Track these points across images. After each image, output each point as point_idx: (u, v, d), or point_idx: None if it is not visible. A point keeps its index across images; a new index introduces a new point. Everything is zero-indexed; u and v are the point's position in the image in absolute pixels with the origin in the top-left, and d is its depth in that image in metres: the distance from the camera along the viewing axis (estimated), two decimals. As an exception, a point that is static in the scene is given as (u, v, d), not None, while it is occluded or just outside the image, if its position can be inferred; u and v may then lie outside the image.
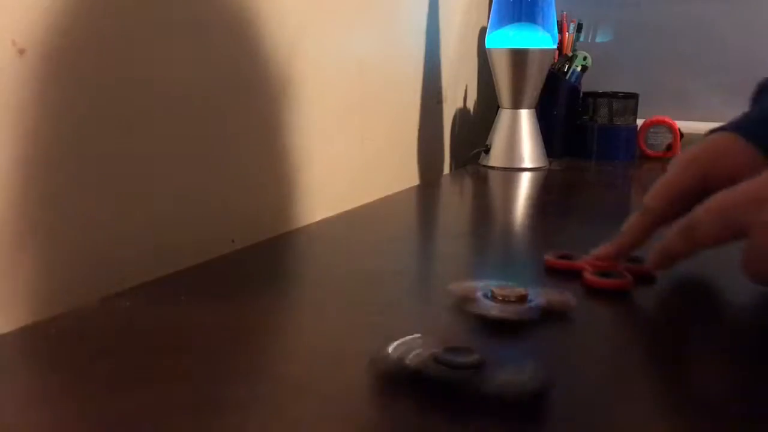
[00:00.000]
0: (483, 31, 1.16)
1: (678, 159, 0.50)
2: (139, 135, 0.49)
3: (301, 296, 0.45)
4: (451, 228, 0.73)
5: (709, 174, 0.44)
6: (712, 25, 1.24)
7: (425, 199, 0.88)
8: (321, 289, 0.48)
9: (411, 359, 0.31)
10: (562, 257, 0.50)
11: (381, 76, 0.84)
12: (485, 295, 0.41)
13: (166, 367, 0.33)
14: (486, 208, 0.86)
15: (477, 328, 0.38)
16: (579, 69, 1.22)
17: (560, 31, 1.19)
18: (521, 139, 1.05)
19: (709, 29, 1.24)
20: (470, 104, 1.20)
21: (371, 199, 0.78)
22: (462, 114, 1.15)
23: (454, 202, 0.91)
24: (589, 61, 1.23)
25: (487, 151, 1.06)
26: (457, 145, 1.13)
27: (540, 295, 0.41)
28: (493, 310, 0.39)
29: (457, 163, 1.14)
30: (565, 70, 1.21)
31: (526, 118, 1.05)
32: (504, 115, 1.06)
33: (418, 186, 0.95)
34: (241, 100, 0.59)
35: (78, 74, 0.43)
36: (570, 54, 1.23)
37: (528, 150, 1.05)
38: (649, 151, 1.21)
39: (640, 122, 1.21)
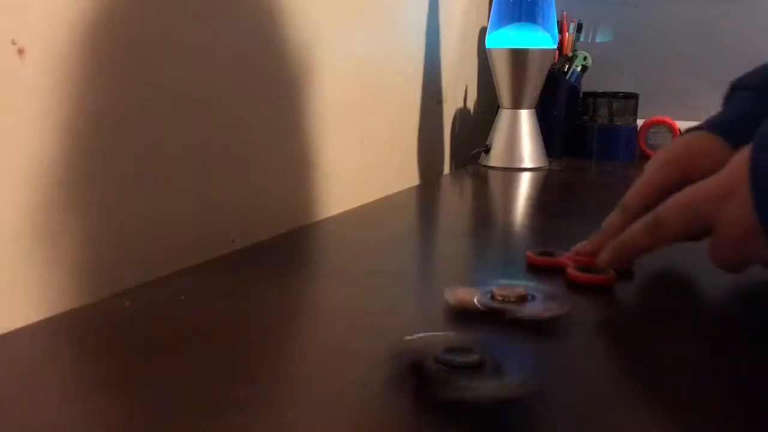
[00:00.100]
0: (483, 31, 1.16)
1: (655, 158, 0.52)
2: (140, 135, 0.49)
3: (302, 296, 0.45)
4: (451, 228, 0.73)
5: (686, 172, 0.45)
6: (712, 25, 1.24)
7: (425, 199, 0.88)
8: (321, 289, 0.48)
9: (411, 359, 0.31)
10: (543, 254, 0.50)
11: (381, 76, 0.84)
12: (485, 295, 0.41)
13: (166, 367, 0.33)
14: (486, 208, 0.86)
15: (477, 328, 0.38)
16: (579, 69, 1.22)
17: (560, 31, 1.19)
18: (521, 139, 1.05)
19: (709, 29, 1.24)
20: (470, 104, 1.20)
21: (371, 199, 0.78)
22: (462, 114, 1.15)
23: (454, 202, 0.91)
24: (589, 61, 1.23)
25: (487, 151, 1.06)
26: (457, 145, 1.13)
27: (540, 295, 0.41)
28: (493, 310, 0.40)
29: (457, 163, 1.14)
30: (565, 70, 1.21)
31: (526, 118, 1.05)
32: (504, 115, 1.06)
33: (418, 186, 0.95)
34: (241, 101, 0.59)
35: (78, 74, 0.43)
36: (570, 54, 1.23)
37: (528, 150, 1.05)
38: (649, 151, 1.21)
39: (640, 122, 1.21)
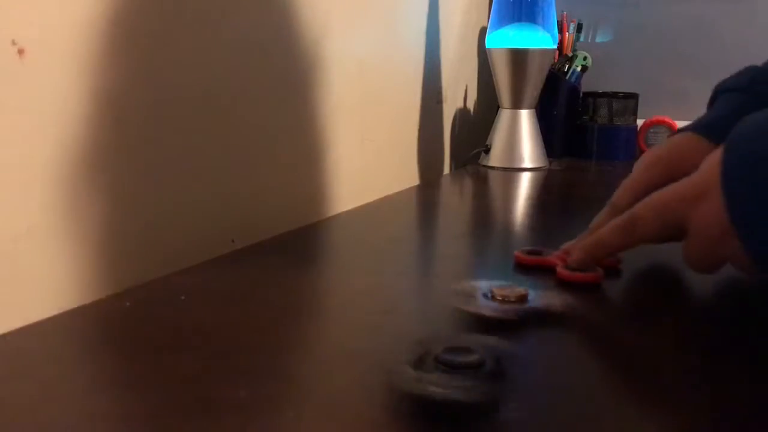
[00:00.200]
0: (483, 31, 1.16)
1: (643, 158, 0.53)
2: (139, 136, 0.49)
3: (302, 296, 0.45)
4: (451, 228, 0.73)
5: (673, 172, 0.45)
6: (712, 25, 1.24)
7: (425, 199, 0.88)
8: (321, 289, 0.48)
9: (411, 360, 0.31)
10: (532, 253, 0.51)
11: (381, 76, 0.84)
12: (485, 295, 0.41)
13: (166, 367, 0.33)
14: (486, 208, 0.86)
15: (477, 328, 0.38)
16: (579, 69, 1.22)
17: (560, 31, 1.19)
18: (521, 139, 1.05)
19: (709, 29, 1.24)
20: (470, 104, 1.20)
21: (371, 199, 0.78)
22: (462, 114, 1.15)
23: (454, 202, 0.91)
24: (589, 61, 1.23)
25: (487, 151, 1.06)
26: (457, 145, 1.13)
27: (540, 295, 0.41)
28: (493, 310, 0.40)
29: (457, 163, 1.14)
30: (565, 70, 1.21)
31: (526, 118, 1.05)
32: (504, 115, 1.06)
33: (418, 186, 0.95)
34: (239, 103, 0.59)
35: (78, 74, 0.43)
36: (570, 54, 1.23)
37: (528, 150, 1.05)
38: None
39: (640, 122, 1.21)
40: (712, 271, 0.43)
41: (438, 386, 0.29)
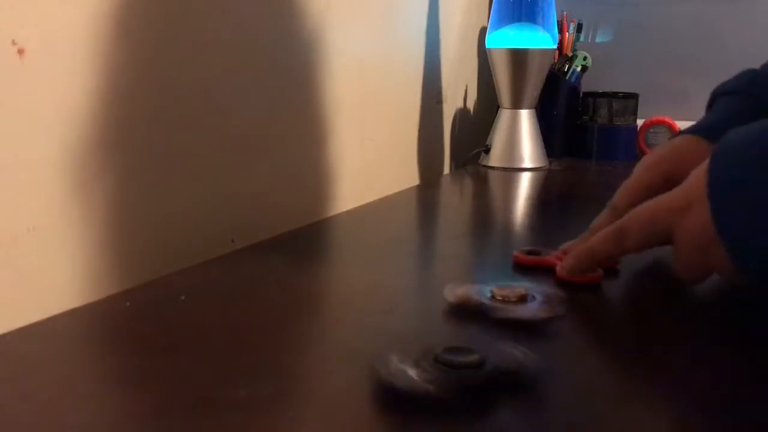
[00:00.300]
0: (483, 31, 1.16)
1: (644, 160, 0.54)
2: (138, 136, 0.49)
3: (301, 296, 0.45)
4: (451, 228, 0.73)
5: (673, 174, 0.46)
6: (712, 25, 1.24)
7: (425, 199, 0.88)
8: (321, 289, 0.48)
9: (411, 361, 0.31)
10: (531, 253, 0.51)
11: (381, 76, 0.84)
12: (485, 295, 0.41)
13: (166, 367, 0.33)
14: (486, 208, 0.86)
15: (477, 328, 0.38)
16: (579, 69, 1.22)
17: (560, 31, 1.19)
18: (521, 139, 1.05)
19: (709, 29, 1.24)
20: (470, 104, 1.20)
21: (371, 199, 0.78)
22: (462, 114, 1.15)
23: (454, 202, 0.91)
24: (589, 61, 1.23)
25: (487, 151, 1.06)
26: (457, 145, 1.13)
27: (540, 295, 0.41)
28: (493, 310, 0.40)
29: (457, 163, 1.14)
30: (565, 70, 1.21)
31: (526, 118, 1.05)
32: (504, 115, 1.06)
33: (418, 186, 0.95)
34: (239, 103, 0.59)
35: (77, 74, 0.43)
36: (570, 54, 1.23)
37: (528, 150, 1.05)
38: (649, 152, 1.21)
39: (640, 122, 1.21)
40: (699, 280, 0.43)
41: (438, 386, 0.29)
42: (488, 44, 1.04)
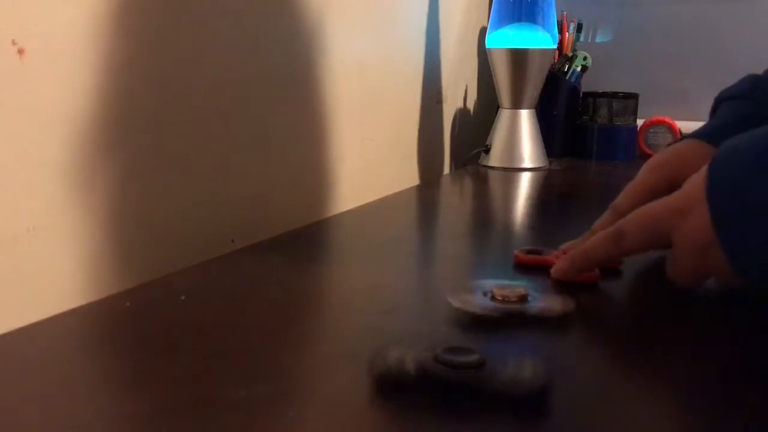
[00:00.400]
0: (483, 31, 1.16)
1: (647, 164, 0.55)
2: (138, 136, 0.49)
3: (302, 296, 0.45)
4: (451, 228, 0.73)
5: (676, 177, 0.46)
6: (712, 26, 1.24)
7: (425, 199, 0.88)
8: (321, 289, 0.48)
9: (411, 360, 0.31)
10: (531, 252, 0.51)
11: (381, 76, 0.84)
12: (485, 295, 0.41)
13: (166, 367, 0.33)
14: (486, 208, 0.86)
15: (477, 328, 0.38)
16: (579, 69, 1.22)
17: (560, 31, 1.19)
18: (521, 139, 1.05)
19: (709, 29, 1.24)
20: (470, 104, 1.20)
21: (371, 199, 0.78)
22: (462, 114, 1.15)
23: (454, 202, 0.91)
24: (589, 61, 1.23)
25: (487, 151, 1.06)
26: (457, 145, 1.13)
27: (540, 295, 0.41)
28: (493, 310, 0.40)
29: (457, 163, 1.14)
30: (565, 70, 1.21)
31: (526, 118, 1.05)
32: (504, 115, 1.06)
33: (418, 186, 0.95)
34: (239, 103, 0.59)
35: (77, 74, 0.43)
36: (570, 54, 1.23)
37: (528, 150, 1.05)
38: (649, 151, 1.21)
39: (640, 122, 1.21)
40: (696, 284, 0.44)
41: (438, 386, 0.29)
42: (488, 44, 1.04)
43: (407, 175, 0.96)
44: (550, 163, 1.08)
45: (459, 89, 1.14)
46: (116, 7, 0.46)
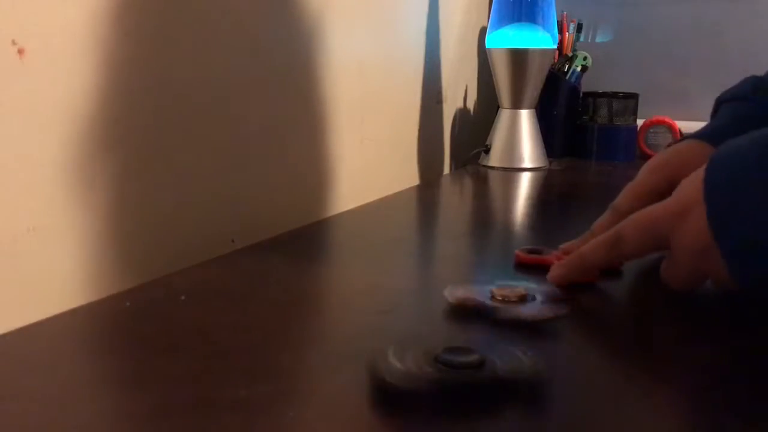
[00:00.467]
0: (483, 31, 1.16)
1: (648, 164, 0.55)
2: (138, 136, 0.49)
3: (301, 296, 0.45)
4: (451, 228, 0.73)
5: (676, 178, 0.46)
6: (713, 26, 1.24)
7: (425, 199, 0.88)
8: (321, 289, 0.49)
9: (411, 360, 0.31)
10: (532, 252, 0.51)
11: (381, 76, 0.84)
12: (485, 295, 0.41)
13: (166, 367, 0.33)
14: (486, 208, 0.86)
15: (477, 328, 0.38)
16: (579, 69, 1.22)
17: (560, 31, 1.19)
18: (521, 139, 1.05)
19: (709, 29, 1.24)
20: (470, 104, 1.20)
21: (371, 199, 0.78)
22: (462, 114, 1.15)
23: (454, 202, 0.91)
24: (589, 61, 1.23)
25: (487, 151, 1.06)
26: (457, 145, 1.13)
27: (540, 295, 0.41)
28: (493, 310, 0.40)
29: (457, 163, 1.14)
30: (565, 70, 1.21)
31: (526, 118, 1.05)
32: (504, 115, 1.06)
33: (418, 186, 0.95)
34: (239, 103, 0.59)
35: (77, 74, 0.43)
36: (570, 54, 1.23)
37: (528, 150, 1.05)
38: (649, 151, 1.21)
39: (640, 122, 1.21)
40: (692, 287, 0.44)
41: (438, 386, 0.29)
42: (488, 44, 1.04)
43: (407, 175, 0.96)
44: (550, 163, 1.08)
45: (459, 89, 1.14)
46: (116, 7, 0.46)
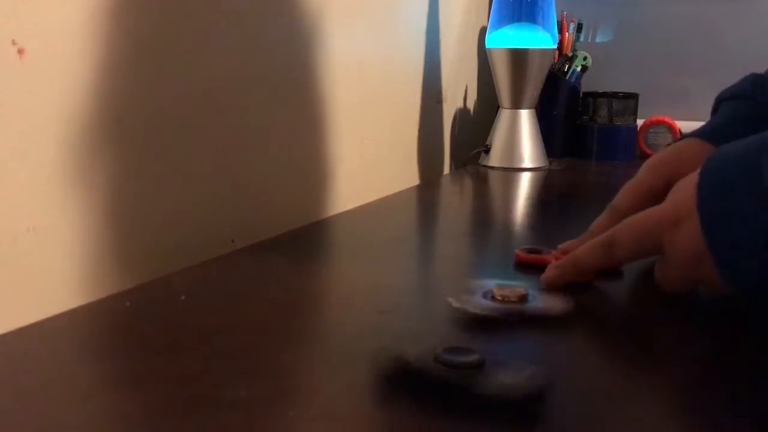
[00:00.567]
0: (483, 31, 1.16)
1: (647, 162, 0.55)
2: (138, 136, 0.49)
3: (301, 296, 0.45)
4: (451, 228, 0.73)
5: (674, 177, 0.46)
6: (712, 25, 1.24)
7: (425, 199, 0.88)
8: (321, 289, 0.49)
9: (412, 359, 0.31)
10: (532, 251, 0.51)
11: (381, 76, 0.84)
12: (485, 295, 0.41)
13: (166, 367, 0.33)
14: (486, 208, 0.86)
15: (477, 328, 0.38)
16: (579, 69, 1.22)
17: (560, 31, 1.19)
18: (521, 139, 1.05)
19: (709, 29, 1.24)
20: (470, 104, 1.20)
21: (371, 199, 0.78)
22: (462, 114, 1.15)
23: (454, 202, 0.91)
24: (589, 61, 1.23)
25: (487, 151, 1.06)
26: (457, 145, 1.13)
27: (540, 295, 0.41)
28: (493, 310, 0.40)
29: (457, 163, 1.14)
30: (565, 70, 1.21)
31: (526, 118, 1.05)
32: (504, 115, 1.06)
33: (418, 186, 0.95)
34: (239, 103, 0.59)
35: (77, 74, 0.43)
36: (570, 54, 1.23)
37: (528, 150, 1.05)
38: (649, 151, 1.21)
39: (640, 122, 1.21)
40: (685, 291, 0.44)
41: (438, 386, 0.29)
42: (488, 44, 1.04)
43: (407, 175, 0.96)
44: (550, 163, 1.08)
45: (459, 89, 1.14)
46: (116, 7, 0.46)
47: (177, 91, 0.52)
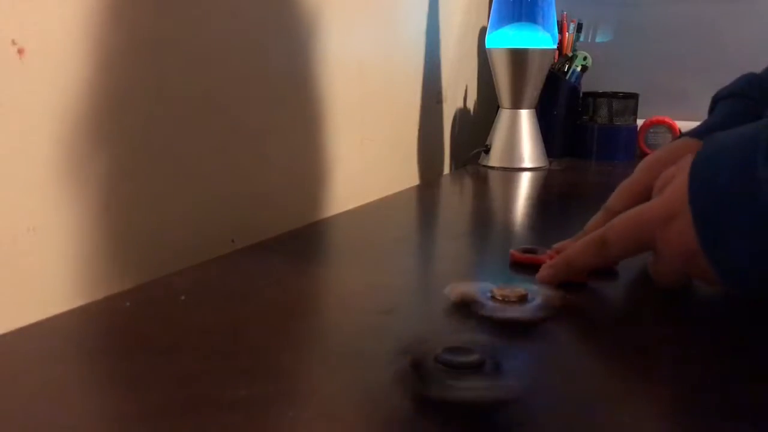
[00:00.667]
0: (483, 31, 1.16)
1: (642, 162, 0.54)
2: (138, 136, 0.49)
3: (301, 296, 0.45)
4: (451, 228, 0.73)
5: None
6: (712, 25, 1.24)
7: (425, 199, 0.88)
8: (321, 289, 0.48)
9: (412, 359, 0.31)
10: (527, 251, 0.51)
11: (381, 76, 0.84)
12: (485, 296, 0.41)
13: (166, 367, 0.33)
14: (486, 208, 0.86)
15: (477, 328, 0.38)
16: (579, 69, 1.22)
17: (560, 31, 1.19)
18: (521, 139, 1.05)
19: (708, 29, 1.24)
20: (470, 104, 1.20)
21: (371, 199, 0.78)
22: (462, 114, 1.15)
23: (454, 202, 0.91)
24: (589, 61, 1.23)
25: (487, 151, 1.06)
26: (457, 145, 1.13)
27: (540, 295, 0.41)
28: (493, 310, 0.40)
29: (457, 163, 1.14)
30: (565, 70, 1.21)
31: (526, 118, 1.05)
32: (504, 115, 1.06)
33: (418, 186, 0.95)
34: (239, 103, 0.59)
35: (77, 74, 0.43)
36: (570, 54, 1.23)
37: (528, 150, 1.05)
38: (649, 151, 1.21)
39: (640, 122, 1.21)
40: (678, 285, 0.44)
41: (438, 386, 0.29)
42: (488, 44, 1.04)
43: (407, 175, 0.96)
44: (550, 163, 1.08)
45: (459, 89, 1.14)
46: (116, 7, 0.46)
47: (177, 91, 0.52)
